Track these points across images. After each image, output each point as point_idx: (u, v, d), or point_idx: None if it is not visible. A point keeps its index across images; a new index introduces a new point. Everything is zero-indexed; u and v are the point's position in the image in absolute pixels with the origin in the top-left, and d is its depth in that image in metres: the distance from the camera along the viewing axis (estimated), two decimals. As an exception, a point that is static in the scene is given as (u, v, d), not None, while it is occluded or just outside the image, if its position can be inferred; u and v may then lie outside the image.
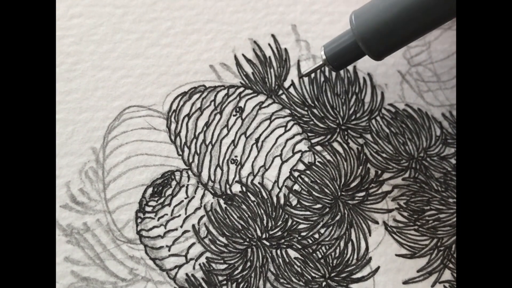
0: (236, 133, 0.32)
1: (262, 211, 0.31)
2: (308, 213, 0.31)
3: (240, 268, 0.30)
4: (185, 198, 0.31)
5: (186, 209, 0.30)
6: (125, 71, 0.32)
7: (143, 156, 0.31)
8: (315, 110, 0.33)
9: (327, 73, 0.34)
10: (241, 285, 0.29)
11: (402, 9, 0.27)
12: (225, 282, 0.29)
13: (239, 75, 0.33)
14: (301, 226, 0.31)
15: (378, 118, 0.33)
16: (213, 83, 0.33)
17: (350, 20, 0.29)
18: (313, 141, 0.32)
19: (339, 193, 0.32)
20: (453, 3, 0.26)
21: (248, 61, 0.33)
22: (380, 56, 0.29)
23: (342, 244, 0.31)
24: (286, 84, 0.33)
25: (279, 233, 0.31)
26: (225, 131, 0.32)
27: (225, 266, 0.30)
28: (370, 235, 0.31)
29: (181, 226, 0.30)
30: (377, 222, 0.31)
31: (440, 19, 0.27)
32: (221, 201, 0.31)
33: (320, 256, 0.30)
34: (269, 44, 0.34)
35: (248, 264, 0.30)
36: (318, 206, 0.31)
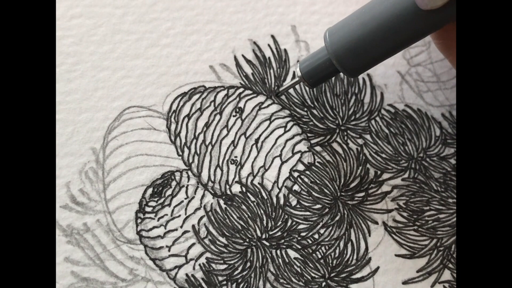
0: (236, 133, 0.32)
1: (262, 212, 0.31)
2: (307, 213, 0.31)
3: (240, 268, 0.30)
4: (185, 199, 0.31)
5: (186, 209, 0.30)
6: (125, 71, 0.32)
7: (143, 156, 0.31)
8: (314, 111, 0.33)
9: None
10: (241, 285, 0.29)
11: (375, 27, 0.27)
12: (225, 282, 0.29)
13: (238, 76, 0.33)
14: (301, 226, 0.31)
15: (377, 118, 0.33)
16: (213, 83, 0.33)
17: (324, 38, 0.28)
18: (312, 141, 0.32)
19: (338, 194, 0.32)
20: (425, 23, 0.26)
21: (248, 61, 0.34)
22: (354, 74, 0.29)
23: (341, 244, 0.31)
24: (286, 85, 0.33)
25: (279, 233, 0.31)
26: (225, 131, 0.32)
27: (225, 266, 0.30)
28: (369, 236, 0.31)
29: (181, 227, 0.30)
30: (376, 223, 0.31)
31: (413, 37, 0.27)
32: (221, 202, 0.31)
33: (319, 256, 0.30)
34: (268, 45, 0.34)
35: (248, 264, 0.30)
36: (318, 206, 0.31)
